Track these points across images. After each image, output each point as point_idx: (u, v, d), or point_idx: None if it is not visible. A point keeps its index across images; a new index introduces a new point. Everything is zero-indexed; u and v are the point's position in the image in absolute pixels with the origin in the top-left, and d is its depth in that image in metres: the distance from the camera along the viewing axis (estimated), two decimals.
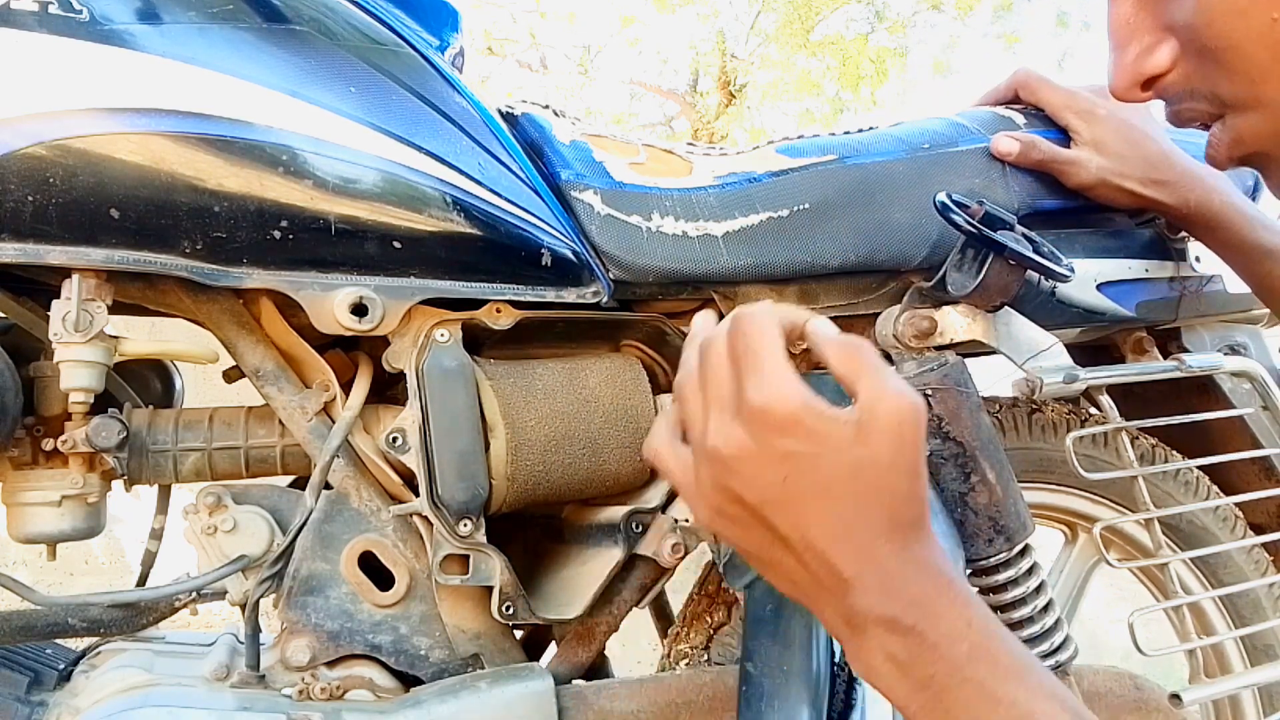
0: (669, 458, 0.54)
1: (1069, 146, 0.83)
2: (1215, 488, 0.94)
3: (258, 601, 0.69)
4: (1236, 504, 0.92)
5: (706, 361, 0.52)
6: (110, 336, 0.64)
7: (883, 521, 0.47)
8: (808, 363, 0.81)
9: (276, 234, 0.63)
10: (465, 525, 0.69)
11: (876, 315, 0.77)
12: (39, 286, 0.67)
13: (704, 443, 0.50)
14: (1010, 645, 0.47)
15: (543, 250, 0.70)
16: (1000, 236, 0.68)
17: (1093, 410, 0.92)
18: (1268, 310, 0.96)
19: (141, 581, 0.75)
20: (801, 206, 0.76)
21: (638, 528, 0.76)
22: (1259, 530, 0.95)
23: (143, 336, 0.68)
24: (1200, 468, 0.92)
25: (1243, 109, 0.53)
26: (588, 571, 0.76)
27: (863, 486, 0.47)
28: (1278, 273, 0.81)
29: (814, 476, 0.47)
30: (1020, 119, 0.86)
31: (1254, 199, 0.90)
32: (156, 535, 0.75)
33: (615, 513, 0.77)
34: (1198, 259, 0.89)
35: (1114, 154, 0.82)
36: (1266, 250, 0.81)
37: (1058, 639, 0.75)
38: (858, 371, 0.48)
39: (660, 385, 0.81)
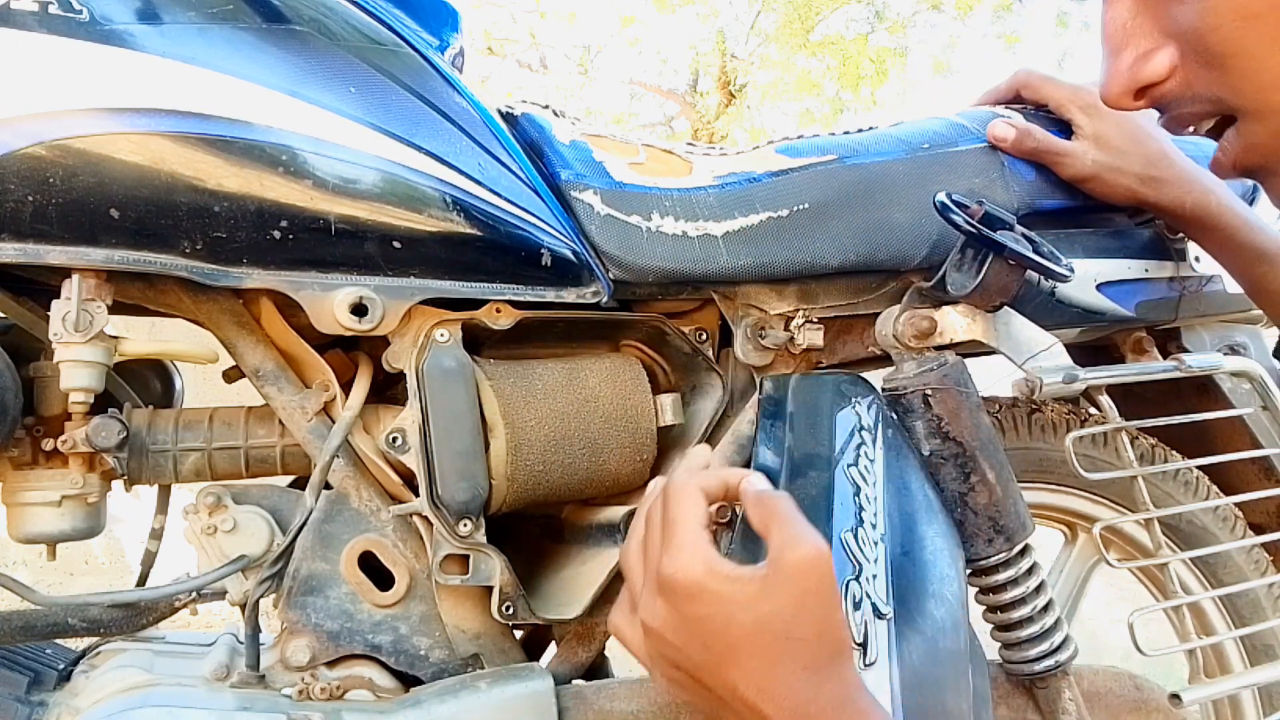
0: (625, 630, 0.57)
1: (1069, 139, 0.83)
2: (1215, 488, 0.94)
3: (258, 601, 0.69)
4: (1236, 504, 0.92)
5: (646, 532, 0.56)
6: (110, 336, 0.64)
7: (798, 668, 0.49)
8: (807, 363, 0.81)
9: (276, 234, 0.63)
10: (465, 525, 0.69)
11: (876, 315, 0.77)
12: (39, 286, 0.67)
13: (641, 617, 0.53)
14: None
15: (543, 250, 0.70)
16: (1000, 236, 0.68)
17: (1092, 410, 0.92)
18: None
19: (141, 581, 0.75)
20: (801, 206, 0.76)
21: None
22: (1259, 530, 0.95)
23: (143, 336, 0.68)
24: (1200, 468, 0.92)
25: (1251, 116, 0.52)
26: (588, 571, 0.76)
27: (773, 638, 0.49)
28: (1272, 276, 0.81)
29: (728, 636, 0.49)
30: (1020, 119, 0.86)
31: (1251, 203, 0.90)
32: (156, 535, 0.76)
33: (615, 513, 0.77)
34: (1197, 259, 0.89)
35: (1114, 149, 0.81)
36: (1262, 253, 0.81)
37: (1057, 639, 0.75)
38: (768, 524, 0.52)
39: (660, 385, 0.81)
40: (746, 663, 0.49)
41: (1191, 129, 0.57)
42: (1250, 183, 0.92)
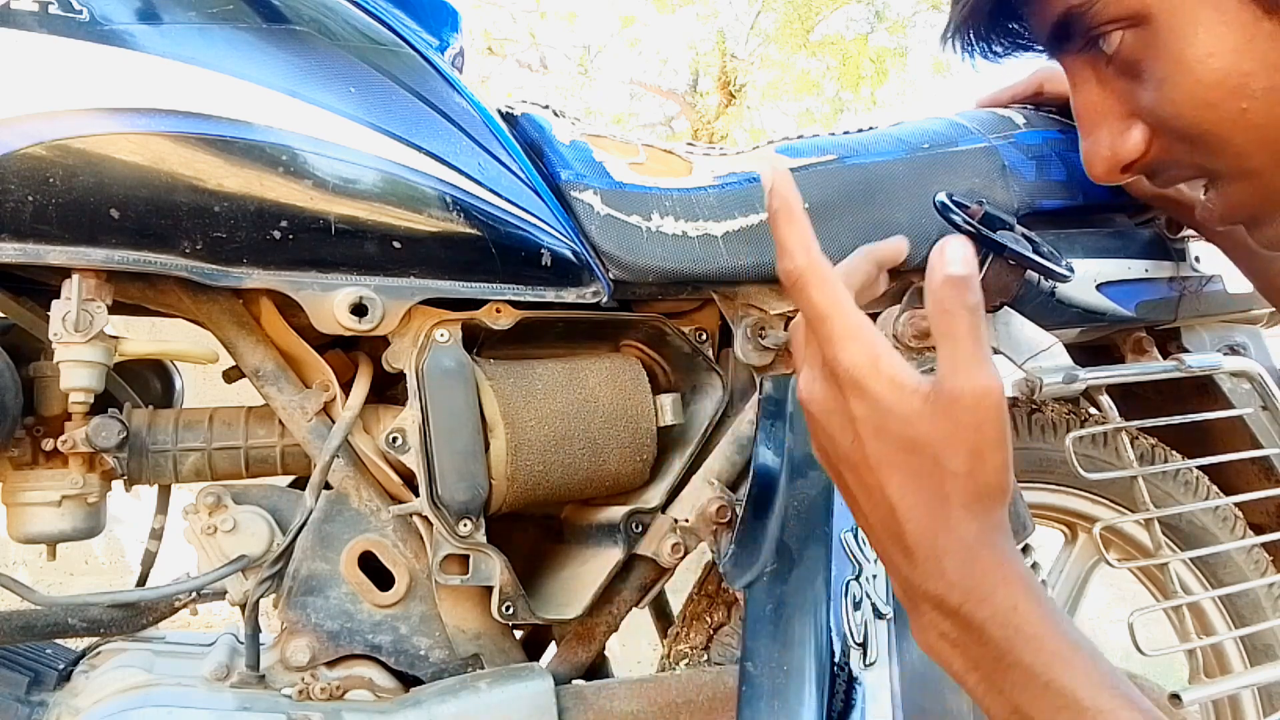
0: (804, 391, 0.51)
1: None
2: (1215, 488, 0.94)
3: (258, 601, 0.69)
4: (1236, 504, 0.92)
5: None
6: (110, 336, 0.64)
7: (937, 498, 0.45)
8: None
9: (276, 234, 0.63)
10: (465, 525, 0.69)
11: (876, 315, 0.77)
12: (39, 286, 0.67)
13: (800, 395, 0.50)
14: (1063, 632, 0.45)
15: (543, 250, 0.70)
16: (1000, 236, 0.68)
17: (1093, 410, 0.92)
18: (1268, 310, 0.96)
19: (141, 581, 0.75)
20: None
21: (638, 528, 0.76)
22: (1259, 530, 0.95)
23: (143, 336, 0.68)
24: (1200, 468, 0.92)
25: (1228, 179, 0.53)
26: (588, 571, 0.76)
27: (920, 461, 0.45)
28: None
29: (878, 443, 0.46)
30: (1020, 119, 0.86)
31: None
32: (156, 535, 0.75)
33: (615, 513, 0.77)
34: (1197, 259, 0.89)
35: None
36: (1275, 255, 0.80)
37: None
38: (942, 339, 0.45)
39: (660, 385, 0.81)
40: (891, 474, 0.46)
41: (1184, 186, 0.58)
42: None
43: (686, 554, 0.77)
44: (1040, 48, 0.58)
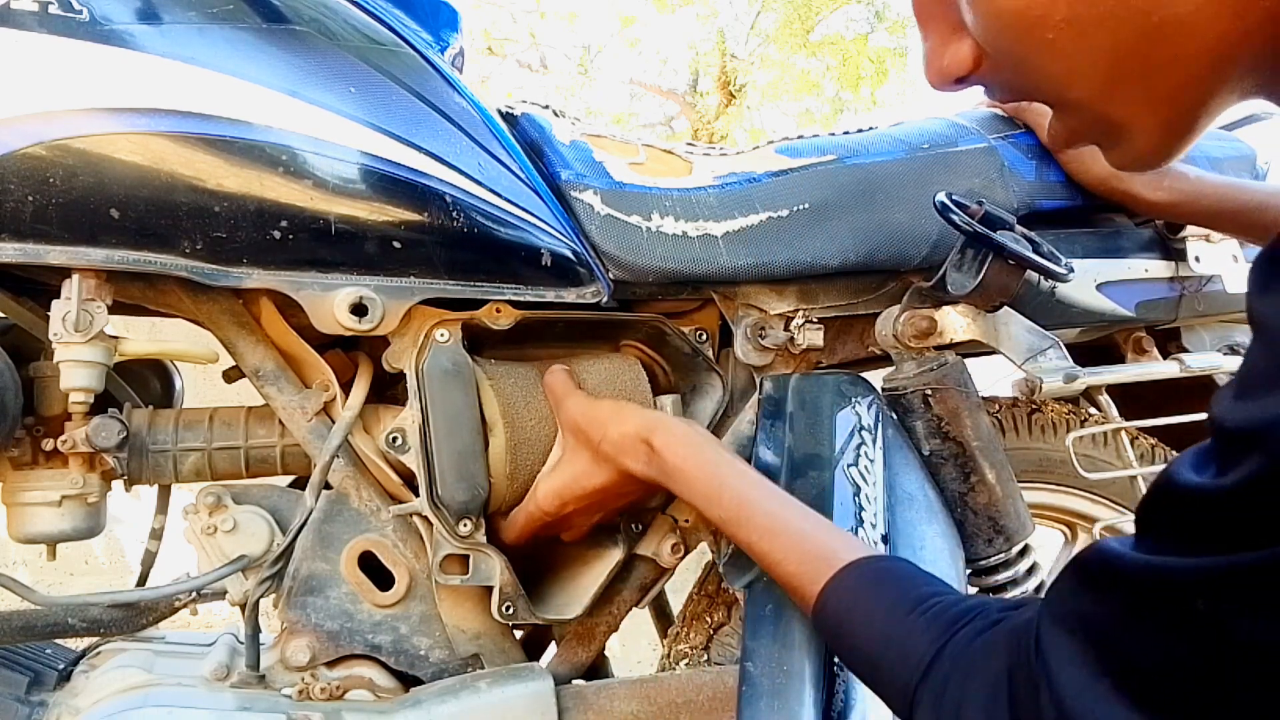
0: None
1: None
2: None
3: (258, 601, 0.69)
4: None
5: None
6: (110, 336, 0.64)
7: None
8: (807, 363, 0.81)
9: (276, 234, 0.63)
10: (465, 525, 0.69)
11: (876, 315, 0.77)
12: (39, 286, 0.67)
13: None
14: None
15: (543, 250, 0.70)
16: (1000, 236, 0.68)
17: (1093, 410, 0.92)
18: None
19: (141, 581, 0.75)
20: (801, 206, 0.76)
21: (637, 528, 0.76)
22: None
23: (143, 336, 0.68)
24: None
25: (1057, 108, 0.51)
26: (588, 571, 0.76)
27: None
28: None
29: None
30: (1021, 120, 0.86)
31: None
32: (156, 535, 0.75)
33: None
34: (1197, 259, 0.89)
35: None
36: (1260, 203, 0.80)
37: None
38: (555, 400, 0.74)
39: (660, 385, 0.81)
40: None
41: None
42: (1249, 175, 0.92)
43: (686, 554, 0.77)
44: None
